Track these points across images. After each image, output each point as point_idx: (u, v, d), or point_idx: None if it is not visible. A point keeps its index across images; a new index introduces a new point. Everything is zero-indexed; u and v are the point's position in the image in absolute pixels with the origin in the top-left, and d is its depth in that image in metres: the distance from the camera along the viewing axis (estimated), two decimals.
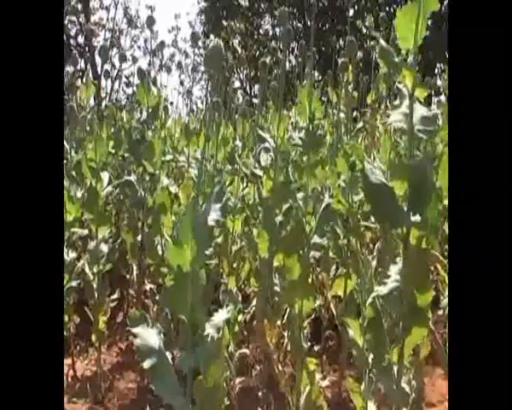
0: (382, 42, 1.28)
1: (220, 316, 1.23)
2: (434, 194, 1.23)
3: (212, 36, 19.45)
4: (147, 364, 1.17)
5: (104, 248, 2.61)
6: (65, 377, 2.73)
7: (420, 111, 1.25)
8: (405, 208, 1.23)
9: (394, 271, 1.27)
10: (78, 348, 2.95)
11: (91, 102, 3.82)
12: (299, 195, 2.15)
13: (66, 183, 2.71)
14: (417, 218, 1.21)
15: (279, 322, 2.27)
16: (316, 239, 1.96)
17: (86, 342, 2.96)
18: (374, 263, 1.78)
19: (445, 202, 1.74)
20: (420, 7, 1.19)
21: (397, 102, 1.29)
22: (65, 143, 3.24)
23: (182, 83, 5.84)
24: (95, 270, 2.58)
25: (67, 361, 2.79)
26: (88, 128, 3.83)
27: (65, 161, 3.11)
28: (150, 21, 3.51)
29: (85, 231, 2.80)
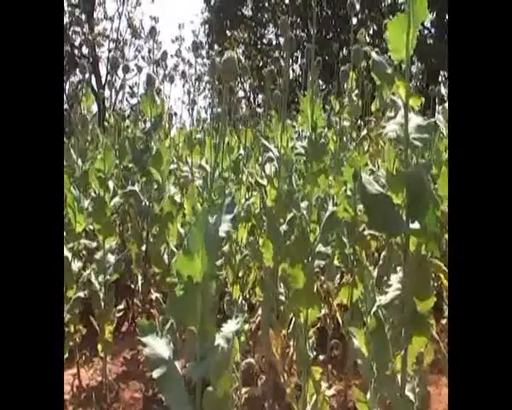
0: (374, 55, 1.30)
1: (230, 327, 1.23)
2: (432, 201, 1.23)
3: (216, 46, 19.51)
4: (156, 374, 1.16)
5: (111, 258, 2.62)
6: (70, 387, 2.73)
7: (415, 120, 1.26)
8: (404, 216, 1.24)
9: (395, 279, 1.28)
10: (83, 358, 2.95)
11: (93, 111, 3.84)
12: (303, 204, 2.16)
13: (75, 193, 2.72)
14: (416, 225, 1.22)
15: (284, 331, 2.27)
16: (320, 248, 1.96)
17: (91, 352, 2.96)
18: (377, 272, 1.78)
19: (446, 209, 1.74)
20: (410, 17, 1.20)
21: (391, 114, 1.31)
22: (72, 152, 3.27)
23: (189, 92, 5.85)
24: (101, 280, 2.59)
25: (73, 371, 2.79)
26: (89, 138, 3.86)
27: (71, 171, 3.12)
28: (153, 32, 3.55)
29: (94, 243, 2.80)
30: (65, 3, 18.68)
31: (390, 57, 1.27)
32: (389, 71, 1.24)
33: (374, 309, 1.29)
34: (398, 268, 1.27)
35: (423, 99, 1.34)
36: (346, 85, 3.14)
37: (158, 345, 1.21)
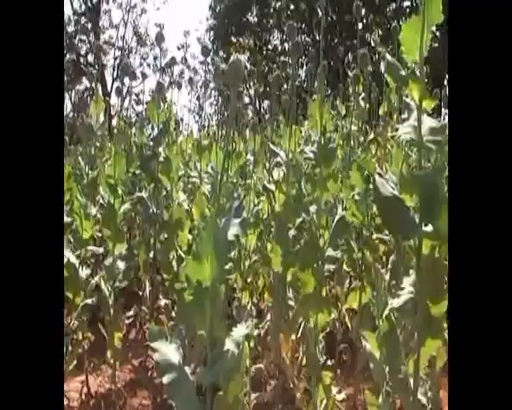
0: (388, 56, 1.29)
1: (239, 331, 1.22)
2: (445, 204, 1.23)
3: (221, 52, 19.57)
4: (166, 379, 1.16)
5: (121, 265, 2.61)
6: (78, 395, 2.72)
7: (428, 122, 1.26)
8: (417, 219, 1.23)
9: (408, 282, 1.27)
10: (91, 365, 2.94)
11: (101, 119, 3.85)
12: (312, 208, 2.15)
13: (82, 200, 2.72)
14: (429, 228, 1.21)
15: (294, 336, 2.26)
16: (330, 252, 1.96)
17: (99, 360, 2.95)
18: (388, 276, 1.77)
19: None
20: (424, 19, 1.20)
21: (405, 116, 1.30)
22: (80, 160, 3.27)
23: (198, 98, 5.86)
24: (110, 287, 2.58)
25: (81, 378, 2.78)
26: (98, 144, 3.86)
27: (79, 179, 3.13)
28: (160, 39, 3.55)
29: (101, 249, 2.79)
30: (70, 12, 18.81)
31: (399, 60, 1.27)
32: (403, 72, 1.24)
33: (386, 312, 1.28)
34: (411, 271, 1.27)
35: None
36: (351, 90, 3.14)
37: (168, 350, 1.20)
